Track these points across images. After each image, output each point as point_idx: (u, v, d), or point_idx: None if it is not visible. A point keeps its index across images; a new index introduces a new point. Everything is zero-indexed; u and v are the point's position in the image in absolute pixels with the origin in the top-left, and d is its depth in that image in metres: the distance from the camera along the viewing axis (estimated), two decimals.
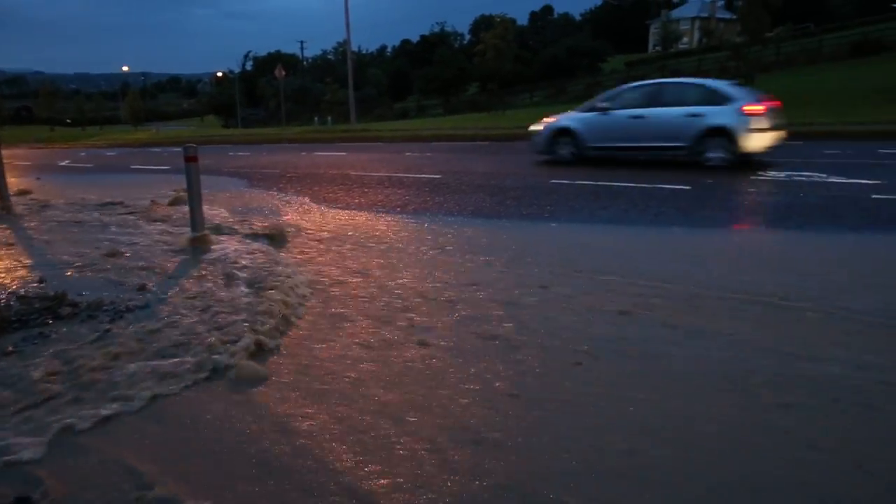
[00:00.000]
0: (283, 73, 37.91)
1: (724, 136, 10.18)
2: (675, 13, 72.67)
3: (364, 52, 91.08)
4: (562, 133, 11.96)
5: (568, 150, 11.89)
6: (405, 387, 2.96)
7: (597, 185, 9.22)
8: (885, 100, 18.78)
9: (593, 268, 4.86)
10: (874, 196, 7.55)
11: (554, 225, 6.82)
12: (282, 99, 46.06)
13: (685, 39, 62.79)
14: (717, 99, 10.41)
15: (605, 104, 11.61)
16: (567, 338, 3.47)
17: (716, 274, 4.63)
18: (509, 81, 42.21)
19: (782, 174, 9.48)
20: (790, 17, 57.77)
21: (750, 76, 23.13)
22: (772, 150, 10.58)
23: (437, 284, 4.55)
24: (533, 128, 12.90)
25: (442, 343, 3.46)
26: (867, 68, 28.86)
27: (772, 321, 3.67)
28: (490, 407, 2.75)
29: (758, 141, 10.15)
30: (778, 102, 10.91)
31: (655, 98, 11.05)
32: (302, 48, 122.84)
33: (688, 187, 8.65)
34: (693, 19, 67.17)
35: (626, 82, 13.09)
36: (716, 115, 10.23)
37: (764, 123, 10.16)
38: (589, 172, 10.39)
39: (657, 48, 63.86)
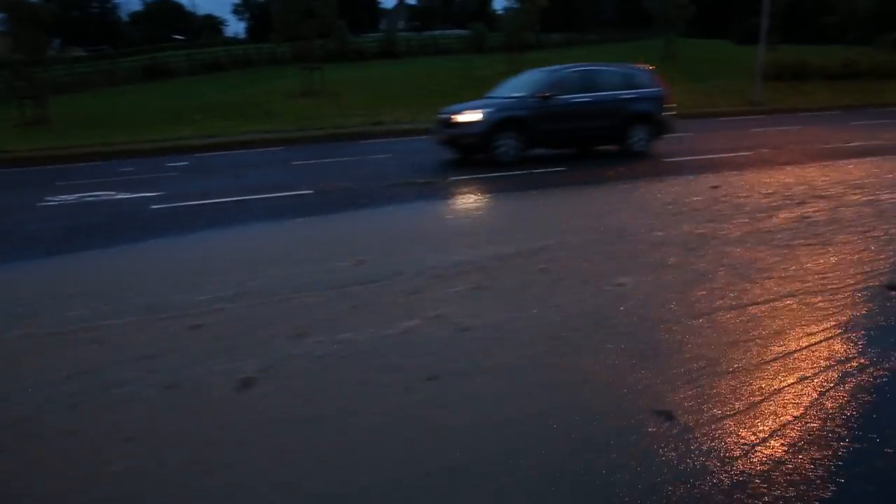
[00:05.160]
0: None
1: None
2: None
3: None
4: None
5: None
6: None
7: None
8: (171, 118, 20.80)
9: None
10: (153, 206, 8.19)
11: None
12: None
13: None
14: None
15: None
16: None
17: None
18: None
19: (73, 197, 9.28)
20: (85, 41, 57.69)
21: (42, 96, 21.85)
22: None
23: None
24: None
25: None
26: (157, 90, 31.44)
27: None
28: None
29: None
30: None
31: None
32: None
33: None
34: None
35: None
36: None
37: None
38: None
39: None
